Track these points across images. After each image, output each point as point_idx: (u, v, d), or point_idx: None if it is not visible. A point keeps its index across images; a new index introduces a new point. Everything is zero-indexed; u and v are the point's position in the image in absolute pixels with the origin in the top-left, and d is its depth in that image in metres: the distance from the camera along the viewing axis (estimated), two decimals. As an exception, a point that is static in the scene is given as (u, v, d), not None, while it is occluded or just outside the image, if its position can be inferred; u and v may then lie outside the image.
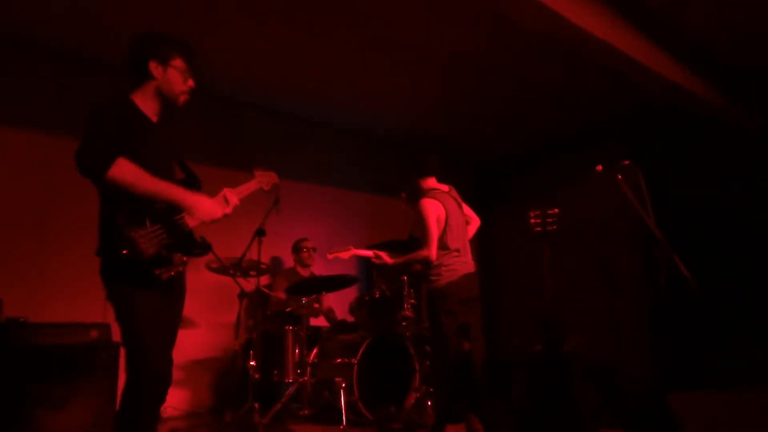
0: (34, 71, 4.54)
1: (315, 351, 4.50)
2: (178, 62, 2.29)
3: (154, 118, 2.33)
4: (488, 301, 6.79)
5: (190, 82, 2.35)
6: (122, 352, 3.58)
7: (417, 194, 3.86)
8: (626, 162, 2.99)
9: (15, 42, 4.43)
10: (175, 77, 2.29)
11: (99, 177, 2.00)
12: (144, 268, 2.09)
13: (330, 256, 4.23)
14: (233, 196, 2.47)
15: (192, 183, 2.42)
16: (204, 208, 2.24)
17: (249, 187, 2.65)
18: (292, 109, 5.95)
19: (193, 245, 2.30)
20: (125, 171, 2.03)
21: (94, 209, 2.17)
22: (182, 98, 2.36)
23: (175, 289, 2.30)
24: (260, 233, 4.29)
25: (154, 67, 2.26)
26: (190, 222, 2.28)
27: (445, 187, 3.92)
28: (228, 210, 2.43)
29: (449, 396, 3.60)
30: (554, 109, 6.03)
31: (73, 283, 4.32)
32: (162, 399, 2.20)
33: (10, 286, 3.86)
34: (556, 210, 3.37)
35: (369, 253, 4.11)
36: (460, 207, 3.92)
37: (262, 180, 2.76)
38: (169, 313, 2.27)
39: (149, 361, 2.12)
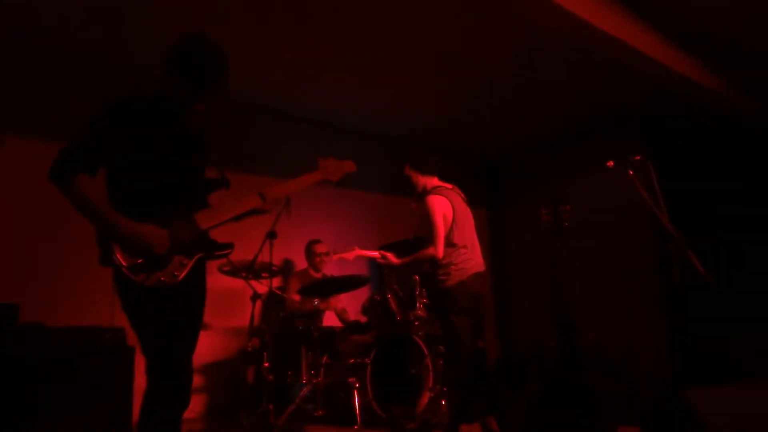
0: (55, 82, 4.59)
1: (328, 352, 4.51)
2: (177, 80, 2.19)
3: (184, 119, 2.29)
4: (500, 299, 6.64)
5: (199, 106, 2.26)
6: (138, 356, 3.64)
7: (422, 192, 3.84)
8: (637, 157, 2.97)
9: (34, 51, 4.47)
10: (175, 90, 2.22)
11: (57, 187, 2.02)
12: (122, 274, 2.01)
13: (335, 257, 4.21)
14: (272, 192, 2.37)
15: (222, 184, 2.38)
16: (132, 243, 2.02)
17: (305, 180, 2.46)
18: (298, 109, 5.95)
19: (202, 247, 2.18)
20: (73, 191, 2.01)
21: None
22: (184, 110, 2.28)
23: (185, 292, 2.16)
24: (271, 235, 4.30)
25: (165, 73, 2.21)
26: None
27: (448, 185, 3.91)
28: (268, 207, 2.37)
29: (464, 395, 3.58)
30: (563, 104, 5.99)
31: (88, 288, 4.35)
32: (182, 402, 2.19)
33: (26, 292, 3.90)
34: (568, 206, 3.35)
35: (374, 253, 4.10)
36: (467, 203, 3.90)
37: (327, 171, 2.51)
38: (184, 316, 2.18)
39: (160, 364, 2.09)
